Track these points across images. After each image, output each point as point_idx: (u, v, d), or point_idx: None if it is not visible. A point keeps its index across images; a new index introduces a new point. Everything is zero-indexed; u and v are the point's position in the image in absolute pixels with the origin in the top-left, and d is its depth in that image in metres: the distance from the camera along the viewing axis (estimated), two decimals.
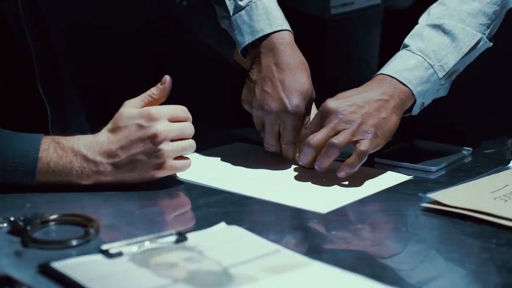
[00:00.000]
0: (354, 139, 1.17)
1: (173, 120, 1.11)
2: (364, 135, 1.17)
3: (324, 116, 1.19)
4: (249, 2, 1.26)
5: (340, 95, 1.21)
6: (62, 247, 0.90)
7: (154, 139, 1.08)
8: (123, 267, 0.84)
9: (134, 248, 0.88)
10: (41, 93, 1.31)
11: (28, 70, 1.30)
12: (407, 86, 1.22)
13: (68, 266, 0.83)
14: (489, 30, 1.29)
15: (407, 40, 1.28)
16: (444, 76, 1.25)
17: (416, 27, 1.29)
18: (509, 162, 1.27)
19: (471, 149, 1.36)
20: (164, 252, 0.88)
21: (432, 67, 1.24)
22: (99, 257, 0.86)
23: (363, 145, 1.16)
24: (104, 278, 0.82)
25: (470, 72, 1.39)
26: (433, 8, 1.30)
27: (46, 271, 0.83)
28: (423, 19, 1.30)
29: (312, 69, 1.28)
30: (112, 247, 0.87)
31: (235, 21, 1.28)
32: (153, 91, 1.12)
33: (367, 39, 1.47)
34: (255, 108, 1.25)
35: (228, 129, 1.52)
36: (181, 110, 1.12)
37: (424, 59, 1.24)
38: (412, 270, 0.88)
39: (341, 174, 1.17)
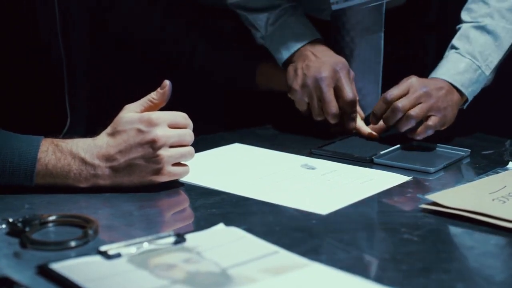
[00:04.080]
0: (429, 114, 1.35)
1: (173, 126, 1.10)
2: (436, 112, 1.36)
3: (409, 86, 1.37)
4: (282, 22, 1.50)
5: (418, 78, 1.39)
6: (61, 248, 0.91)
7: (153, 144, 1.08)
8: (122, 268, 0.84)
9: (133, 249, 0.88)
10: (67, 103, 1.32)
11: (49, 79, 1.32)
12: (459, 89, 1.39)
13: (67, 267, 0.83)
14: None
15: (455, 42, 1.43)
16: (490, 72, 1.42)
17: (462, 28, 1.43)
18: (507, 164, 1.27)
19: (469, 150, 1.36)
20: (162, 253, 0.88)
21: (480, 68, 1.40)
22: (97, 258, 0.86)
23: (432, 121, 1.36)
24: (103, 279, 0.82)
25: None
26: (474, 6, 1.43)
27: (45, 272, 0.83)
28: (465, 15, 1.45)
29: None
30: (111, 248, 0.87)
31: (271, 40, 1.51)
32: (153, 95, 1.12)
33: (370, 42, 1.49)
34: (309, 84, 1.42)
35: (228, 129, 1.52)
36: (181, 117, 1.12)
37: (473, 62, 1.40)
38: (411, 271, 0.88)
39: (409, 136, 1.38)
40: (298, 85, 1.44)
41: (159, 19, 1.57)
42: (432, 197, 1.07)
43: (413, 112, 1.35)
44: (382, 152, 1.33)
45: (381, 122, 1.41)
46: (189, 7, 1.64)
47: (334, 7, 1.49)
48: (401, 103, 1.35)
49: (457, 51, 1.41)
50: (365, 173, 1.25)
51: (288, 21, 1.50)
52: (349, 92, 1.42)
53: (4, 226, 0.95)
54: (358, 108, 1.47)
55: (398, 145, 1.38)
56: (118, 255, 0.87)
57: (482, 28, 1.41)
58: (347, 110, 1.43)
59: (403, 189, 1.17)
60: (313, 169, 1.26)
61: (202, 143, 1.29)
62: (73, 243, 0.91)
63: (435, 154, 1.36)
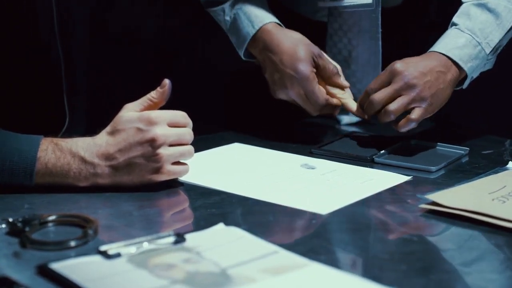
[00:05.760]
0: (410, 106, 1.29)
1: (172, 125, 1.10)
2: (420, 103, 1.29)
3: (391, 76, 1.31)
4: (233, 14, 1.43)
5: (406, 59, 1.33)
6: (61, 248, 0.91)
7: (152, 143, 1.08)
8: (122, 268, 0.84)
9: (133, 249, 0.88)
10: (65, 102, 1.32)
11: (47, 79, 1.33)
12: (458, 64, 1.33)
13: (67, 267, 0.84)
14: None
15: (455, 19, 1.38)
16: (490, 51, 1.37)
17: (463, 6, 1.40)
18: (507, 163, 1.27)
19: (468, 149, 1.36)
20: (162, 253, 0.88)
21: (480, 44, 1.35)
22: (97, 258, 0.86)
23: (415, 114, 1.29)
24: (102, 279, 0.82)
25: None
26: None
27: (45, 272, 0.83)
28: None
29: None
30: (111, 248, 0.87)
31: (230, 35, 1.45)
32: (153, 94, 1.12)
33: (368, 44, 1.48)
34: (282, 95, 1.41)
35: (228, 129, 1.52)
36: (181, 116, 1.12)
37: (473, 38, 1.35)
38: (410, 271, 0.88)
39: (394, 127, 1.32)
40: (274, 93, 1.42)
41: (159, 18, 1.58)
42: (432, 197, 1.07)
43: (391, 107, 1.29)
44: (382, 152, 1.33)
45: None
46: (189, 6, 1.64)
47: (320, 4, 1.49)
48: (377, 96, 1.30)
49: (457, 27, 1.37)
50: (365, 173, 1.25)
51: (239, 12, 1.43)
52: (315, 100, 1.37)
53: (4, 226, 0.95)
54: (341, 81, 1.40)
55: (397, 144, 1.37)
56: (118, 255, 0.87)
57: (483, 6, 1.37)
58: (325, 111, 1.40)
59: (403, 189, 1.17)
60: (313, 169, 1.26)
61: (202, 142, 1.29)
62: (73, 243, 0.91)
63: (434, 153, 1.36)
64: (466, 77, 1.36)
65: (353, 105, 1.38)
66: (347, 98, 1.40)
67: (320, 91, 1.38)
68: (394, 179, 1.21)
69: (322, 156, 1.33)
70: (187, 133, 1.12)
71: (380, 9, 1.46)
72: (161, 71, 1.62)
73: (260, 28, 1.41)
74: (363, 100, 1.35)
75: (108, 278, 0.82)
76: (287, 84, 1.38)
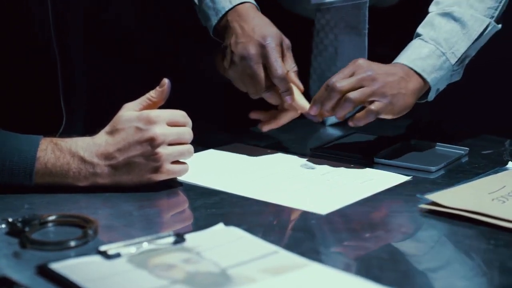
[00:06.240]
0: (370, 99, 1.25)
1: (171, 124, 1.10)
2: (380, 97, 1.25)
3: (354, 69, 1.27)
4: None
5: (369, 61, 1.29)
6: (60, 248, 0.91)
7: (151, 142, 1.08)
8: (121, 268, 0.84)
9: (132, 249, 0.88)
10: (62, 102, 1.32)
11: (45, 78, 1.32)
12: (421, 75, 1.29)
13: (66, 267, 0.84)
14: (497, 12, 1.35)
15: (419, 30, 1.35)
16: (456, 62, 1.32)
17: (428, 16, 1.36)
18: (507, 163, 1.27)
19: (467, 149, 1.36)
20: (162, 253, 0.88)
21: (444, 54, 1.31)
22: (97, 258, 0.86)
23: (375, 105, 1.24)
24: (102, 279, 0.82)
25: (468, 72, 1.40)
26: None
27: (44, 272, 0.83)
28: (433, 8, 1.37)
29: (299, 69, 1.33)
30: (110, 248, 0.87)
31: (202, 9, 1.38)
32: (152, 94, 1.12)
33: (354, 40, 1.48)
34: (237, 63, 1.31)
35: (228, 129, 1.52)
36: (180, 115, 1.12)
37: (437, 48, 1.31)
38: (410, 271, 0.88)
39: (350, 123, 1.28)
40: (228, 64, 1.34)
41: (159, 18, 1.58)
42: (432, 197, 1.07)
43: (351, 95, 1.24)
44: (382, 152, 1.33)
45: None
46: (189, 6, 1.64)
47: (314, 1, 1.47)
48: (339, 83, 1.24)
49: (420, 37, 1.33)
50: (365, 173, 1.25)
51: None
52: (276, 68, 1.28)
53: (4, 226, 0.95)
54: (297, 81, 1.34)
55: (397, 144, 1.37)
56: (117, 255, 0.87)
57: (448, 15, 1.34)
58: (280, 87, 1.32)
59: (403, 189, 1.17)
60: (312, 169, 1.26)
61: (201, 142, 1.29)
62: (72, 243, 0.91)
63: (434, 153, 1.36)
64: (429, 89, 1.32)
65: (305, 104, 1.32)
66: (300, 95, 1.34)
67: (283, 64, 1.31)
68: (394, 179, 1.21)
69: (322, 156, 1.33)
70: (187, 132, 1.12)
71: (367, 4, 1.45)
72: (161, 71, 1.62)
73: (238, 4, 1.35)
74: (322, 95, 1.27)
75: (108, 278, 0.82)
76: (250, 50, 1.29)
